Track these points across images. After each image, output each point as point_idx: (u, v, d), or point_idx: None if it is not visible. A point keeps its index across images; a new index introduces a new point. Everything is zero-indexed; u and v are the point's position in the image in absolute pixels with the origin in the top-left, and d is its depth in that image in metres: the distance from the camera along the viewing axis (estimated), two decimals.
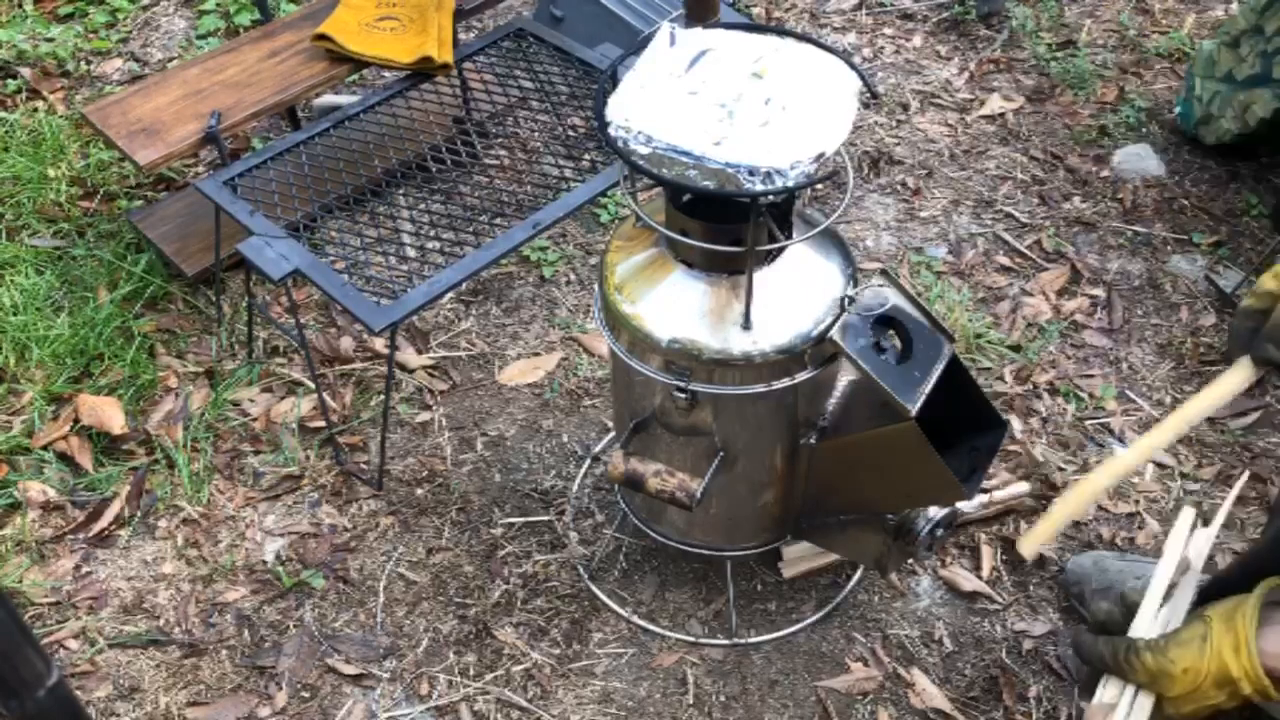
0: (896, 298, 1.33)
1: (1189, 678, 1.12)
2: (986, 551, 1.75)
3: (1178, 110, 2.50)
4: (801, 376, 1.36)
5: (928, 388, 1.28)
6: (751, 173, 1.17)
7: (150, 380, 2.05)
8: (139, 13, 3.08)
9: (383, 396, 1.96)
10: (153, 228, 2.26)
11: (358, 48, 2.14)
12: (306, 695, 1.63)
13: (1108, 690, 1.22)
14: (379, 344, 2.11)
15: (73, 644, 1.70)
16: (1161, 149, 2.47)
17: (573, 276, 2.26)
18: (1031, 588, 1.71)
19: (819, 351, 1.35)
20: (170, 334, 2.16)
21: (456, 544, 1.81)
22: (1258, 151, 2.41)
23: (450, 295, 2.20)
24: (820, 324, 1.33)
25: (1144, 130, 2.53)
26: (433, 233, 2.00)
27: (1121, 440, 1.91)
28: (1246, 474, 1.72)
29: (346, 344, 2.12)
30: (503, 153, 2.42)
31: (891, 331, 1.33)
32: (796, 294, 1.35)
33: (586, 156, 2.15)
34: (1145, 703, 1.19)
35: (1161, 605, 1.27)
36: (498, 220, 1.94)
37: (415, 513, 1.85)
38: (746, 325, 1.31)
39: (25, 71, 2.82)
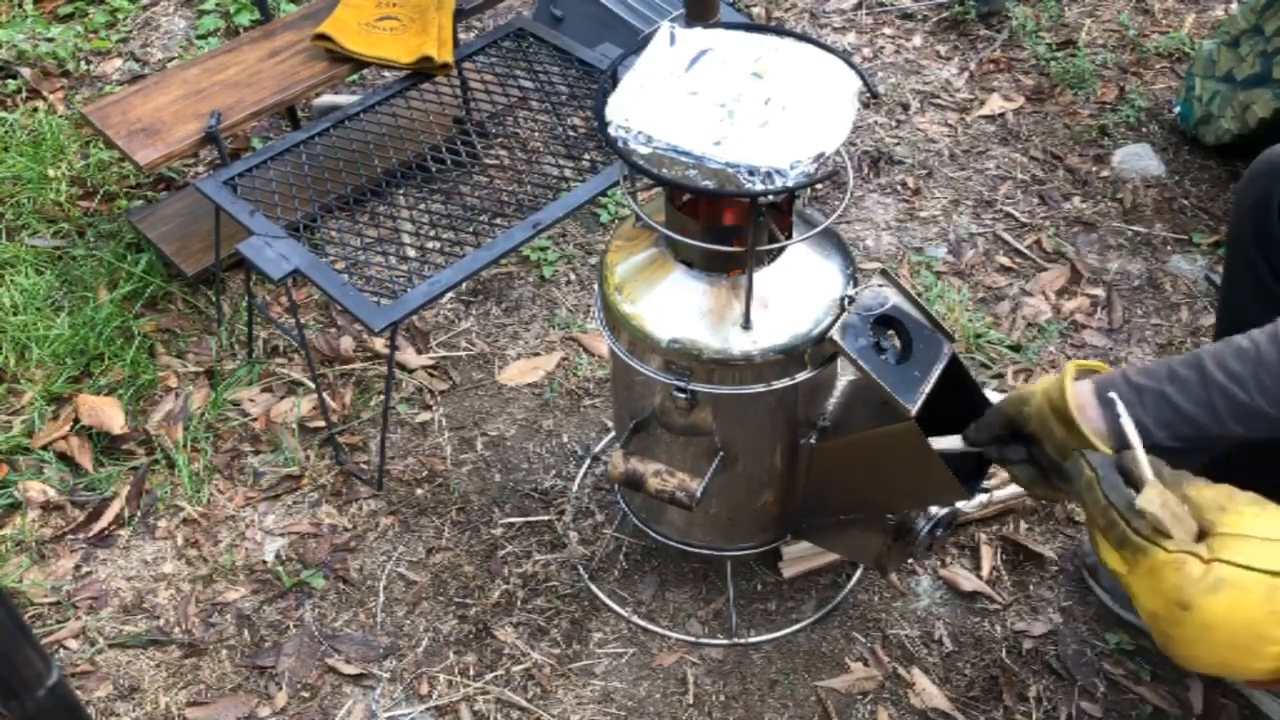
0: (896, 298, 1.33)
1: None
2: (986, 551, 1.75)
3: (1178, 110, 2.50)
4: (801, 376, 1.36)
5: (928, 387, 1.28)
6: (751, 173, 1.17)
7: (150, 380, 2.05)
8: (139, 13, 3.08)
9: (383, 396, 1.96)
10: (153, 228, 2.26)
11: (358, 48, 2.14)
12: (306, 695, 1.63)
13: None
14: (379, 344, 2.11)
15: (73, 644, 1.70)
16: (1161, 149, 2.47)
17: (573, 276, 2.26)
18: (1031, 588, 1.71)
19: (819, 351, 1.35)
20: (170, 334, 2.16)
21: (456, 544, 1.81)
22: (1257, 151, 2.40)
23: (450, 295, 2.20)
24: (820, 324, 1.33)
25: (1144, 130, 2.53)
26: (433, 233, 2.00)
27: None
28: None
29: (346, 344, 2.12)
30: (503, 153, 2.42)
31: (891, 331, 1.33)
32: (796, 294, 1.35)
33: (586, 156, 2.15)
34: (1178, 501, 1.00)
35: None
36: (498, 220, 1.94)
37: (415, 513, 1.85)
38: (746, 325, 1.31)
39: (25, 71, 2.82)
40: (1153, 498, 0.88)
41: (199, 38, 2.95)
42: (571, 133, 2.18)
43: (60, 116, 2.68)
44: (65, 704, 0.81)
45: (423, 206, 2.15)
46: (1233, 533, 0.84)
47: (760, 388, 1.35)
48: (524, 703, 1.60)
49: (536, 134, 2.40)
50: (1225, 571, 0.82)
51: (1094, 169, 2.44)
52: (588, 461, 1.91)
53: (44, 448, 1.95)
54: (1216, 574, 0.83)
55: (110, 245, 2.31)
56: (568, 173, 1.99)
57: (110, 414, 1.97)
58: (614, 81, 1.30)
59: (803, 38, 1.32)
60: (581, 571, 1.75)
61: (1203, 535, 0.87)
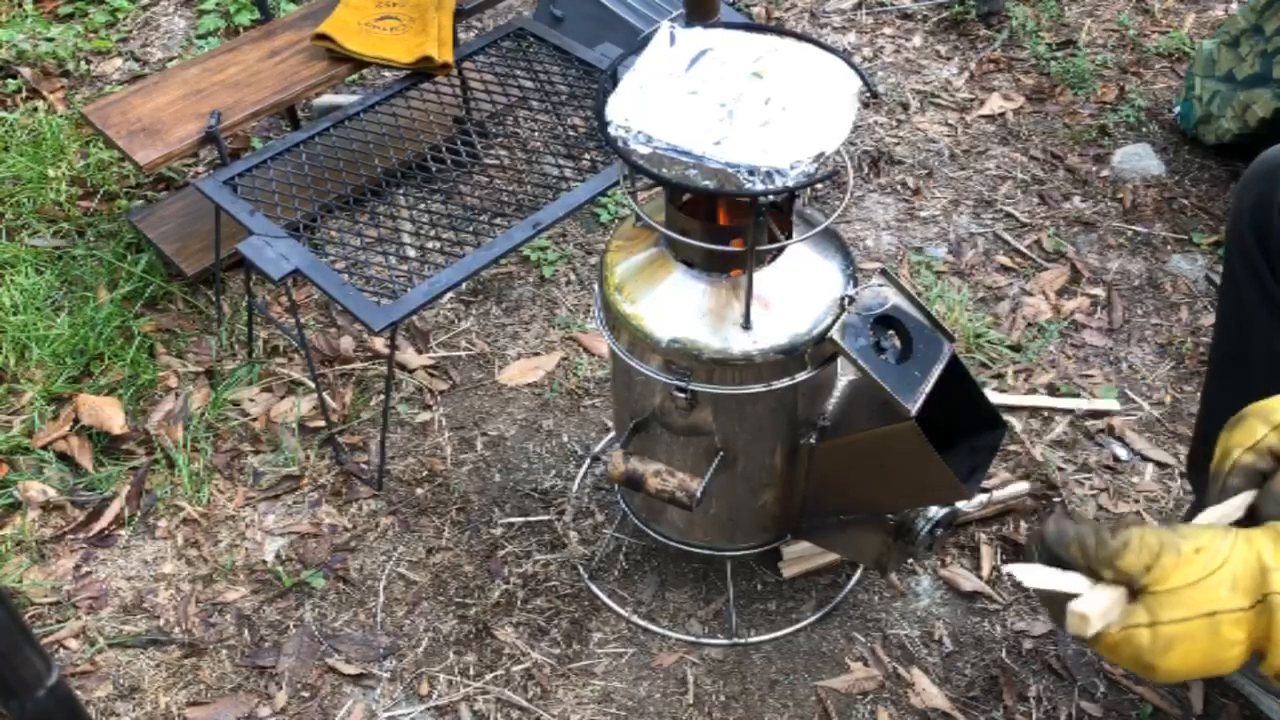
0: (896, 297, 1.33)
1: (1200, 560, 0.86)
2: (986, 551, 1.75)
3: (1178, 110, 2.50)
4: (801, 376, 1.36)
5: (927, 387, 1.28)
6: (751, 173, 1.17)
7: (150, 380, 2.05)
8: (139, 12, 3.08)
9: (383, 396, 1.96)
10: (153, 228, 2.26)
11: (358, 48, 2.14)
12: (306, 695, 1.63)
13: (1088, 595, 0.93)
14: (379, 344, 2.11)
15: (73, 644, 1.70)
16: (1161, 149, 2.47)
17: (573, 276, 2.26)
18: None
19: (819, 351, 1.35)
20: (170, 334, 2.16)
21: (456, 544, 1.81)
22: (1257, 151, 2.40)
23: (450, 295, 2.20)
24: (820, 324, 1.33)
25: (1144, 130, 2.53)
26: (433, 233, 2.00)
27: (1121, 440, 1.90)
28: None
29: (346, 344, 2.12)
30: (503, 153, 2.42)
31: (891, 331, 1.33)
32: (796, 294, 1.35)
33: (586, 156, 2.15)
34: (1109, 595, 0.90)
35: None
36: (498, 220, 1.94)
37: (415, 513, 1.85)
38: (746, 325, 1.31)
39: (25, 71, 2.82)
40: (1079, 626, 0.90)
41: (199, 38, 2.95)
42: (571, 133, 2.18)
43: (60, 116, 2.68)
44: (65, 704, 0.81)
45: (423, 206, 2.15)
46: (1162, 589, 0.88)
47: (760, 388, 1.35)
48: (524, 703, 1.60)
49: (536, 134, 2.40)
50: (1170, 631, 0.87)
51: (1094, 169, 2.44)
52: (588, 461, 1.91)
53: (44, 448, 1.95)
54: (1164, 637, 0.88)
55: (110, 245, 2.31)
56: (568, 173, 1.99)
57: (110, 414, 1.97)
58: (614, 81, 1.30)
59: (803, 38, 1.32)
60: (581, 571, 1.75)
61: (1136, 591, 0.90)
